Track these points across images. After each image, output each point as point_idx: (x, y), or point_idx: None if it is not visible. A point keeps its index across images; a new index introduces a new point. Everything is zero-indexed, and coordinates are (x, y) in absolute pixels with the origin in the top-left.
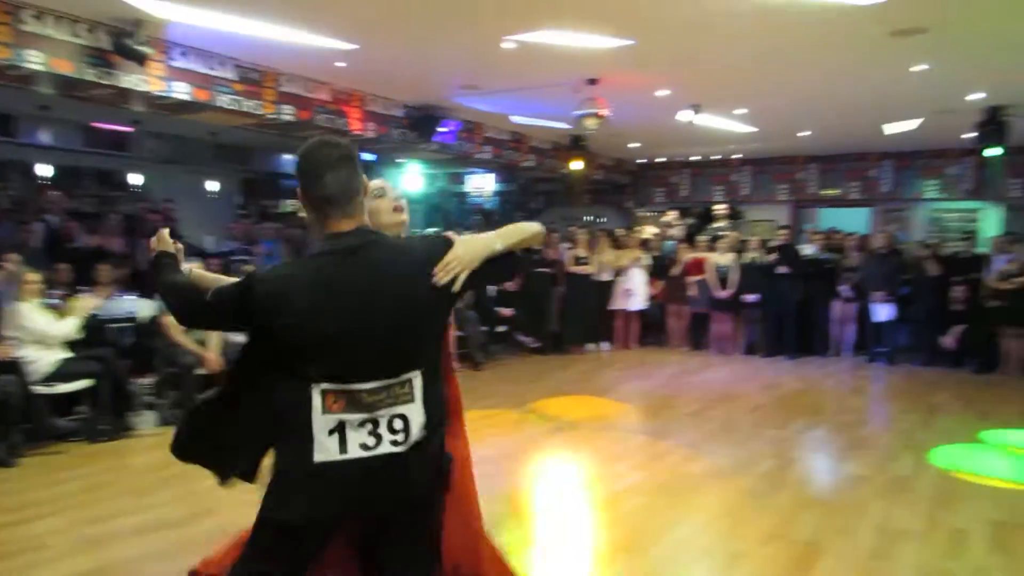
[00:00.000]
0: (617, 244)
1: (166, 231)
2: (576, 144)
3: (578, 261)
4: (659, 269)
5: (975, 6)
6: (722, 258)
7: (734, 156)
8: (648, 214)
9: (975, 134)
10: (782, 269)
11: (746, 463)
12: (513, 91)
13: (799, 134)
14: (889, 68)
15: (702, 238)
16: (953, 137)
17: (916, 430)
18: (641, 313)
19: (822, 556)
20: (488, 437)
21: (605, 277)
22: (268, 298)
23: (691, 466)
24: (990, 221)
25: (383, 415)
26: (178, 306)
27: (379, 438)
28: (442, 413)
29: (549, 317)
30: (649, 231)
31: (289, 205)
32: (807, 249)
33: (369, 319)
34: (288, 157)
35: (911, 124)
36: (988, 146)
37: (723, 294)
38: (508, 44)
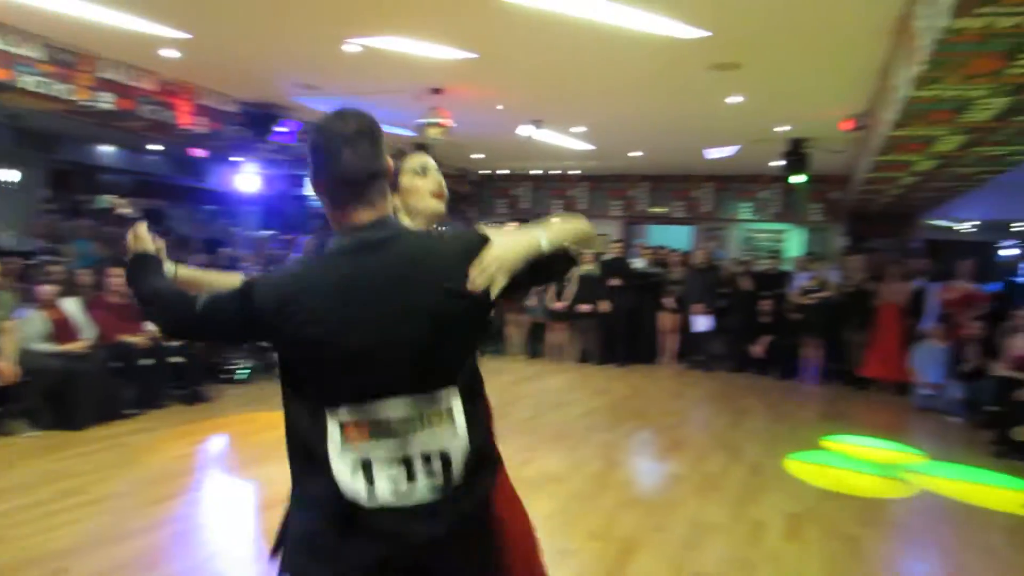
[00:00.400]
0: None
1: (144, 226)
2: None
3: None
4: None
5: (781, 48)
6: None
7: (572, 172)
8: (490, 225)
9: (782, 162)
10: (613, 281)
11: (576, 466)
12: (355, 95)
13: (631, 154)
14: (708, 98)
15: None
16: (764, 164)
17: (727, 431)
18: None
19: (640, 550)
20: None
21: None
22: (271, 306)
23: (525, 470)
24: (794, 241)
25: (416, 448)
26: (163, 318)
27: (413, 479)
28: (490, 447)
29: None
30: None
31: (106, 200)
32: (637, 263)
33: (393, 329)
34: (106, 148)
35: (729, 150)
36: (793, 174)
37: (558, 305)
38: (350, 47)
